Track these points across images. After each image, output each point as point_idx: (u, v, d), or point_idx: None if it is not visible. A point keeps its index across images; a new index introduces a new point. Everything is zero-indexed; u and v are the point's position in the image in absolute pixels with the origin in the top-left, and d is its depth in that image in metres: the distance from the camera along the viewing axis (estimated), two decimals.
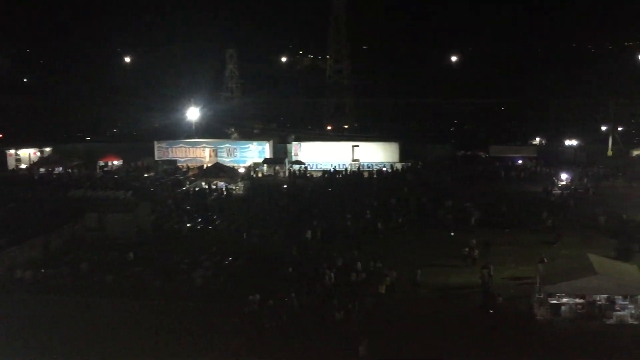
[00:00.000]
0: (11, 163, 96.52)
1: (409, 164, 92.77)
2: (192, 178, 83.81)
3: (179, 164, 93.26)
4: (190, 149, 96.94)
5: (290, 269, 46.41)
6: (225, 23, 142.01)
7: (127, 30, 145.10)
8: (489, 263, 44.49)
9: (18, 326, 37.43)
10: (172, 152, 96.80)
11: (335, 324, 37.56)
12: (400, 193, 71.84)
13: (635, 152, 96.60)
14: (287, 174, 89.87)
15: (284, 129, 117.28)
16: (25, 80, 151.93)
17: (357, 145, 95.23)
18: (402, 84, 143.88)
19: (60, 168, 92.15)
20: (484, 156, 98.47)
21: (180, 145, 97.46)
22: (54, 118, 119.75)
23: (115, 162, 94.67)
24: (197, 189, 77.75)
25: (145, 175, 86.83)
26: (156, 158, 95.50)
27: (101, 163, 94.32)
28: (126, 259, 50.27)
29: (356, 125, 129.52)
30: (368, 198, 69.59)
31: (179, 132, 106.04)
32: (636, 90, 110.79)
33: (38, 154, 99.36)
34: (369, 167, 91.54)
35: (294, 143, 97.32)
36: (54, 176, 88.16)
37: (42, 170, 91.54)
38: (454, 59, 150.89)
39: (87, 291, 43.84)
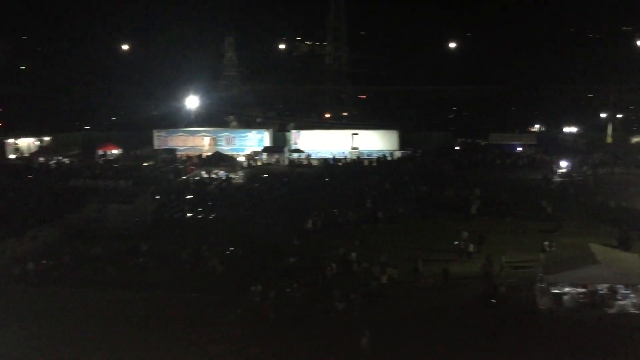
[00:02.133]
0: (10, 152, 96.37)
1: (409, 152, 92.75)
2: (192, 167, 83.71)
3: (178, 153, 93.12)
4: (190, 137, 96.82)
5: (291, 259, 46.36)
6: (224, 10, 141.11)
7: (125, 18, 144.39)
8: (490, 255, 44.48)
9: (20, 318, 37.33)
10: (171, 140, 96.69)
11: (337, 314, 37.55)
12: (400, 182, 71.81)
13: (635, 139, 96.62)
14: (286, 162, 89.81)
15: (283, 117, 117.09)
16: (23, 68, 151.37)
17: (357, 133, 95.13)
18: (402, 71, 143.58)
19: (60, 157, 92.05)
20: (483, 144, 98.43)
21: (180, 133, 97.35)
22: (52, 107, 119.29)
23: (115, 151, 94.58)
24: (197, 178, 77.68)
25: (145, 164, 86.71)
26: (155, 147, 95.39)
27: (100, 152, 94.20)
28: (129, 249, 50.18)
29: (355, 113, 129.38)
30: (368, 187, 69.54)
31: (178, 121, 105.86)
32: (635, 77, 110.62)
33: (37, 143, 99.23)
34: (368, 155, 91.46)
35: (293, 131, 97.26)
36: (54, 165, 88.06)
37: (41, 159, 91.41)
38: (453, 45, 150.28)
39: (89, 283, 43.71)
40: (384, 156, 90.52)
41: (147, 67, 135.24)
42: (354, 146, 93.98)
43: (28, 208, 62.07)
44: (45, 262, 47.57)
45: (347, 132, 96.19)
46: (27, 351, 33.30)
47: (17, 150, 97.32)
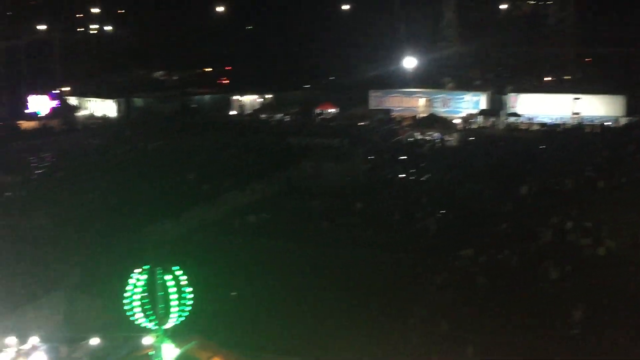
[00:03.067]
0: (235, 108, 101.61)
1: (636, 119, 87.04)
2: (406, 128, 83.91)
3: (393, 114, 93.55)
4: (405, 98, 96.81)
5: (504, 225, 45.34)
6: None
7: None
8: None
9: (235, 269, 39.30)
10: (386, 101, 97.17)
11: (549, 285, 36.30)
12: (624, 150, 67.76)
13: None
14: (502, 126, 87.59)
15: (501, 79, 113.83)
16: (249, 28, 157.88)
17: (579, 98, 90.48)
18: (631, 31, 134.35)
19: (280, 115, 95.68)
20: None
21: (395, 94, 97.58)
22: (275, 66, 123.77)
23: (331, 110, 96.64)
24: (410, 139, 77.79)
25: (360, 123, 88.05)
26: (371, 107, 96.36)
27: (318, 111, 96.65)
28: (342, 207, 51.33)
29: (578, 76, 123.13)
30: (588, 154, 66.26)
31: (394, 82, 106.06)
32: None
33: (260, 100, 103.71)
34: (590, 122, 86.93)
35: (511, 94, 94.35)
36: (274, 123, 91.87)
37: (263, 116, 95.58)
38: None
39: (304, 238, 45.23)
40: (608, 123, 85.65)
41: (366, 28, 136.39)
42: (575, 111, 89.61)
43: (249, 163, 65.19)
44: (263, 215, 49.85)
45: (569, 97, 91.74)
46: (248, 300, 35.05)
47: (240, 107, 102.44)
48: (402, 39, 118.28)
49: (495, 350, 29.36)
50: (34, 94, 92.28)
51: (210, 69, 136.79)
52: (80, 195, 55.40)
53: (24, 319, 28.48)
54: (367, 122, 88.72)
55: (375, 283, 37.07)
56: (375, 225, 47.15)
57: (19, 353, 28.01)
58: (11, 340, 28.38)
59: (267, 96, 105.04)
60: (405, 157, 68.03)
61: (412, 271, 38.81)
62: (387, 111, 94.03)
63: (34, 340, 27.71)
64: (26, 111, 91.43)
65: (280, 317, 33.06)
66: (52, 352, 27.41)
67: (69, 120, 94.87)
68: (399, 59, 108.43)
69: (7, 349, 28.31)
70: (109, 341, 27.51)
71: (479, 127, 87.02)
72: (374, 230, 46.21)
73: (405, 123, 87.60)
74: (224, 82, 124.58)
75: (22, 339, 28.10)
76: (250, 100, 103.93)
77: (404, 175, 61.99)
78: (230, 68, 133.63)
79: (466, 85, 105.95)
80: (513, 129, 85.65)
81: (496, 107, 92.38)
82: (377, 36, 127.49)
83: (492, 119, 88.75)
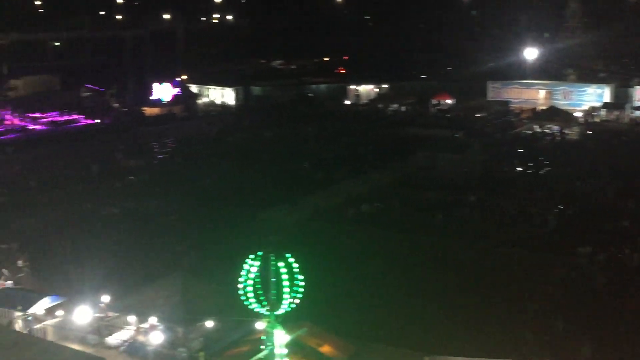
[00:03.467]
0: (351, 98, 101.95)
1: None
2: (525, 120, 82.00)
3: (511, 106, 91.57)
4: (524, 90, 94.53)
5: (625, 223, 43.67)
6: None
7: None
8: None
9: (347, 257, 39.44)
10: (505, 93, 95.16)
11: None
12: None
13: None
14: (627, 120, 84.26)
15: (627, 71, 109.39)
16: (367, 18, 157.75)
17: None
18: None
19: (396, 105, 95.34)
20: None
21: (514, 86, 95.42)
22: (393, 56, 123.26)
23: (448, 101, 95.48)
24: (529, 132, 75.99)
25: (477, 115, 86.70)
26: (488, 98, 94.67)
27: (434, 101, 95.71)
28: (456, 199, 50.78)
29: None
30: None
31: (513, 73, 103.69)
32: None
33: (376, 90, 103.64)
34: None
35: (637, 87, 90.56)
36: (390, 113, 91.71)
37: (379, 106, 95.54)
38: None
39: (416, 228, 44.99)
40: None
41: (485, 18, 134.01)
42: None
43: (364, 152, 65.30)
44: (376, 204, 49.87)
45: None
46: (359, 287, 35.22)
47: (357, 96, 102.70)
48: (522, 29, 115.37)
49: (611, 351, 28.39)
50: (157, 81, 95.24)
51: (328, 59, 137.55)
52: (199, 181, 56.98)
53: (143, 300, 29.53)
54: (484, 114, 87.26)
55: (488, 277, 36.49)
56: (491, 219, 46.36)
57: (138, 331, 29.16)
58: (132, 318, 29.57)
59: (383, 86, 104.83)
60: (523, 150, 66.48)
61: (528, 267, 37.95)
62: (505, 103, 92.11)
63: (152, 320, 28.75)
64: (150, 98, 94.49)
65: (390, 307, 33.00)
66: (169, 331, 28.35)
67: (189, 107, 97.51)
68: (519, 49, 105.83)
69: (128, 327, 29.52)
70: (223, 324, 28.20)
71: (602, 121, 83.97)
72: (489, 224, 45.44)
73: (523, 115, 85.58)
74: (340, 71, 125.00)
75: (142, 318, 29.21)
76: (366, 90, 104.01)
77: (521, 168, 60.62)
78: (347, 58, 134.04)
79: (589, 77, 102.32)
80: (639, 123, 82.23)
81: (621, 101, 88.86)
82: (496, 27, 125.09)
83: (616, 113, 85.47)
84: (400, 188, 55.07)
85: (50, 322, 29.97)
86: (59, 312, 30.17)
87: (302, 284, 21.91)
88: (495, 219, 46.32)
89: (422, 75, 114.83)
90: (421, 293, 34.49)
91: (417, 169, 59.31)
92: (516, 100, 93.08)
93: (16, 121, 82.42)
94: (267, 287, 21.98)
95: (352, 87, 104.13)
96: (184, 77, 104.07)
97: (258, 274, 21.84)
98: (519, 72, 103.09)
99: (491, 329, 30.51)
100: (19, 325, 29.84)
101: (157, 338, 27.96)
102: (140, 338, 28.76)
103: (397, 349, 28.15)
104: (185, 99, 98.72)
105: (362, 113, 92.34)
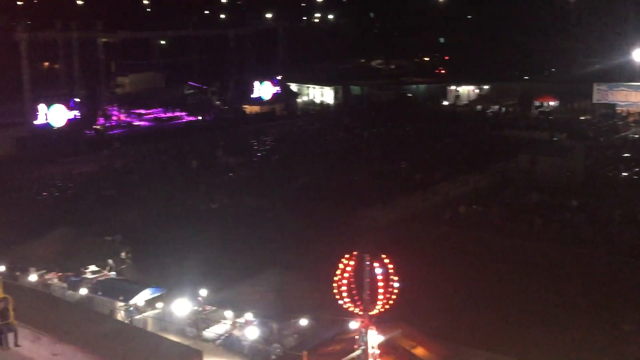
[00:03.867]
0: (451, 99, 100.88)
1: None
2: (632, 124, 79.27)
3: (617, 109, 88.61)
4: (632, 92, 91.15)
5: None
6: None
7: None
8: None
9: (442, 259, 38.99)
10: (611, 95, 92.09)
11: None
12: None
13: None
14: None
15: None
16: (469, 17, 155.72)
17: None
18: None
19: (497, 106, 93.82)
20: None
21: (622, 88, 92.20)
22: (494, 56, 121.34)
23: (551, 103, 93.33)
24: (636, 135, 73.41)
25: (581, 118, 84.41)
26: (594, 101, 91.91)
27: (537, 103, 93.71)
28: (558, 203, 49.48)
29: None
30: None
31: (621, 75, 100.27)
32: None
33: (477, 91, 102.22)
34: None
35: None
36: (490, 114, 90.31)
37: (479, 107, 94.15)
38: None
39: (515, 232, 44.10)
40: None
41: (591, 18, 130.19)
42: None
43: (464, 153, 64.48)
44: (475, 207, 49.15)
45: None
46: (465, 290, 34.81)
47: (457, 97, 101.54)
48: (631, 29, 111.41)
49: None
50: (258, 80, 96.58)
51: (428, 58, 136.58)
52: (296, 179, 57.45)
53: (239, 294, 29.95)
54: (588, 117, 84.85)
55: (586, 284, 35.42)
56: (595, 225, 44.94)
57: (234, 325, 29.62)
58: (228, 313, 30.07)
59: (484, 87, 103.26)
60: (629, 155, 64.26)
61: (631, 276, 36.62)
62: (612, 106, 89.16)
63: (248, 315, 29.15)
64: (251, 96, 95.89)
65: (485, 311, 32.45)
66: (264, 327, 28.68)
67: (289, 105, 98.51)
68: (627, 51, 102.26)
69: (225, 321, 30.02)
70: (317, 322, 28.32)
71: None
72: (593, 230, 44.05)
73: (630, 119, 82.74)
74: (441, 71, 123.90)
75: (238, 313, 29.66)
76: (466, 90, 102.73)
77: (626, 173, 58.61)
78: (448, 57, 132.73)
79: None
80: None
81: None
82: (604, 27, 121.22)
83: None
84: (499, 190, 54.16)
85: (150, 313, 30.82)
86: (159, 304, 30.99)
87: (397, 284, 21.75)
88: (599, 225, 44.84)
89: (525, 76, 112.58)
90: (519, 299, 33.76)
91: (518, 171, 58.19)
92: (623, 103, 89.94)
93: (122, 117, 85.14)
94: (362, 287, 21.94)
95: (452, 87, 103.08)
96: (284, 75, 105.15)
97: (353, 273, 21.83)
98: (627, 74, 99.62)
99: (585, 337, 29.58)
100: (120, 315, 30.80)
101: (252, 333, 28.32)
102: (236, 333, 29.18)
103: (494, 355, 27.64)
104: (285, 97, 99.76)
105: (461, 114, 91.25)
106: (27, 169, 62.27)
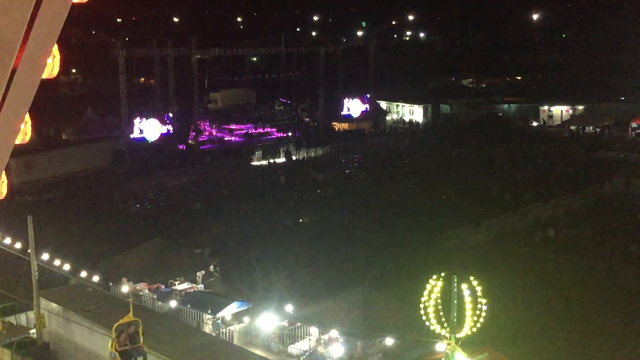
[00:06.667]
0: (543, 119, 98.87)
1: None
2: None
3: None
4: None
5: None
6: None
7: None
8: None
9: (532, 283, 38.08)
10: None
11: None
12: None
13: None
14: None
15: None
16: (563, 36, 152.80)
17: None
18: None
19: (591, 127, 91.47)
20: None
21: None
22: (589, 76, 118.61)
23: None
24: None
25: None
26: None
27: (634, 124, 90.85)
28: None
29: None
30: None
31: None
32: None
33: (570, 111, 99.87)
34: None
35: None
36: (583, 134, 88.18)
37: (572, 127, 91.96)
38: None
39: (607, 256, 42.77)
40: None
41: None
42: None
43: (556, 175, 63.07)
44: (566, 229, 47.92)
45: None
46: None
47: (550, 117, 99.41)
48: None
49: None
50: (348, 97, 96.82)
51: (520, 77, 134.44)
52: (384, 197, 57.24)
53: (324, 311, 29.96)
54: None
55: None
56: None
57: (318, 342, 29.63)
58: (313, 329, 30.11)
59: (578, 107, 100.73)
60: None
61: None
62: None
63: (333, 332, 29.12)
64: (341, 113, 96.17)
65: (577, 338, 31.49)
66: (349, 345, 28.58)
67: (378, 123, 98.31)
68: None
69: (310, 337, 30.08)
70: (402, 342, 28.06)
71: None
72: None
73: None
74: (533, 91, 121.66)
75: (323, 330, 29.66)
76: (559, 110, 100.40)
77: None
78: (541, 77, 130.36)
79: None
80: None
81: None
82: None
83: None
84: (594, 214, 52.69)
85: (236, 326, 31.14)
86: (245, 318, 31.29)
87: (485, 307, 21.33)
88: None
89: (621, 97, 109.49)
90: (614, 328, 32.64)
91: (613, 194, 56.49)
92: None
93: (214, 132, 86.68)
94: (449, 309, 21.60)
95: (545, 107, 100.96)
96: (374, 93, 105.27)
97: (440, 294, 21.52)
98: None
99: None
100: (208, 327, 31.21)
101: (336, 350, 28.26)
102: (321, 349, 29.19)
103: None
104: (374, 115, 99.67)
105: (554, 134, 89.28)
106: (123, 181, 64.22)
